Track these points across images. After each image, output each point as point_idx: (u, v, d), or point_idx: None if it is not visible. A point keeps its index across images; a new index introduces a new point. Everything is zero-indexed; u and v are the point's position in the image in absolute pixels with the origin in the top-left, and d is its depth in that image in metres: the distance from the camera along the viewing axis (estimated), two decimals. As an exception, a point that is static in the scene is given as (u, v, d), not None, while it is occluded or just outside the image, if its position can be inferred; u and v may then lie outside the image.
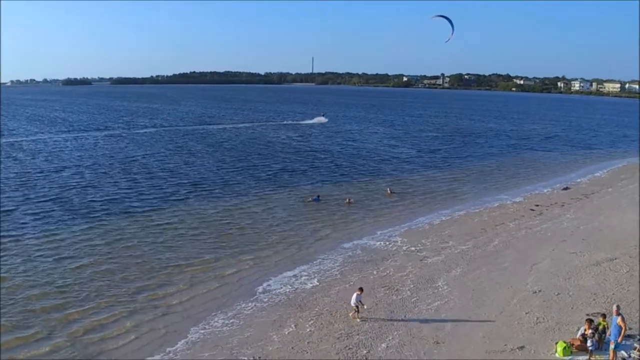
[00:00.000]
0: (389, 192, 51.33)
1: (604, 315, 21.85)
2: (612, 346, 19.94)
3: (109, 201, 45.84)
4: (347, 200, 47.10)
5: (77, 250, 33.25)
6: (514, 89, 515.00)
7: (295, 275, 29.94)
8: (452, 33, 41.60)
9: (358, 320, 24.20)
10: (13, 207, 43.23)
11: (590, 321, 21.15)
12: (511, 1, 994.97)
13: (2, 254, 32.14)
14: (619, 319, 19.87)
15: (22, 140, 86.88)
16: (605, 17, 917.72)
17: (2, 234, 36.05)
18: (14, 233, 36.45)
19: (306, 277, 29.61)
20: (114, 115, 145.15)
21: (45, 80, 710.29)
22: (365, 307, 24.56)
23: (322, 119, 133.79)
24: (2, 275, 29.04)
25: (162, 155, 72.91)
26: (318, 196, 48.20)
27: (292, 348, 21.72)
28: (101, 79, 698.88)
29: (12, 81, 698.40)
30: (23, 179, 54.46)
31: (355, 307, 24.35)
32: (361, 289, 24.87)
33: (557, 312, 24.63)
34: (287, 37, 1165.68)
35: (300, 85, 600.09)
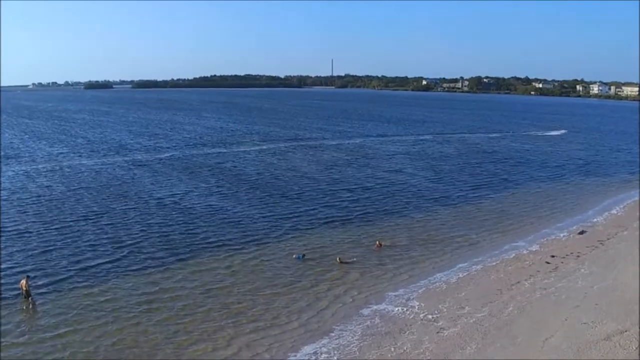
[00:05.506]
0: (377, 245, 48.53)
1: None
2: None
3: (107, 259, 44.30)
4: (339, 259, 44.92)
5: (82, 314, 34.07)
6: (532, 92, 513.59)
7: (315, 352, 30.88)
8: None
9: None
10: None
11: None
12: (528, 1, 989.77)
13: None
14: None
15: (40, 168, 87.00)
16: (623, 18, 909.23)
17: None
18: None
19: (326, 355, 30.54)
20: (135, 132, 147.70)
21: (67, 83, 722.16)
22: None
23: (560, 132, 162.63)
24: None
25: (188, 190, 72.77)
26: (303, 255, 45.53)
27: None
28: (122, 82, 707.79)
29: (34, 84, 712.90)
30: (26, 227, 53.33)
31: None
32: None
33: (566, 403, 25.68)
34: (306, 39, 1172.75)
35: (320, 89, 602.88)
